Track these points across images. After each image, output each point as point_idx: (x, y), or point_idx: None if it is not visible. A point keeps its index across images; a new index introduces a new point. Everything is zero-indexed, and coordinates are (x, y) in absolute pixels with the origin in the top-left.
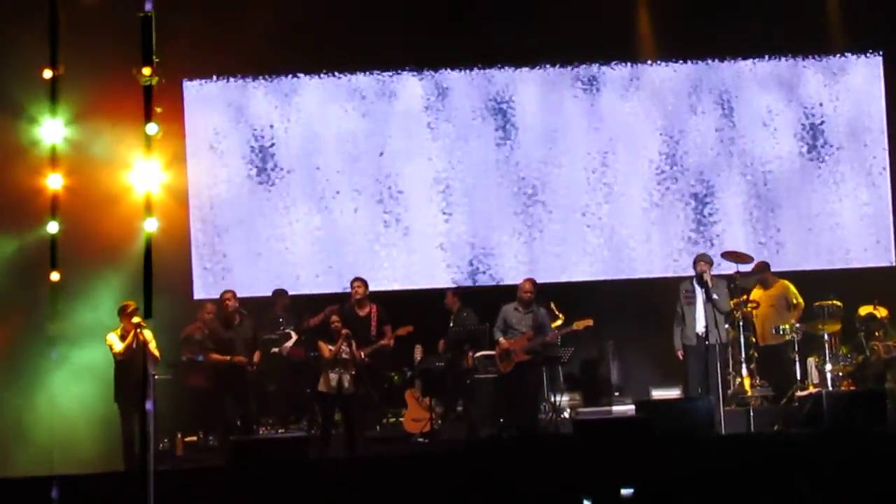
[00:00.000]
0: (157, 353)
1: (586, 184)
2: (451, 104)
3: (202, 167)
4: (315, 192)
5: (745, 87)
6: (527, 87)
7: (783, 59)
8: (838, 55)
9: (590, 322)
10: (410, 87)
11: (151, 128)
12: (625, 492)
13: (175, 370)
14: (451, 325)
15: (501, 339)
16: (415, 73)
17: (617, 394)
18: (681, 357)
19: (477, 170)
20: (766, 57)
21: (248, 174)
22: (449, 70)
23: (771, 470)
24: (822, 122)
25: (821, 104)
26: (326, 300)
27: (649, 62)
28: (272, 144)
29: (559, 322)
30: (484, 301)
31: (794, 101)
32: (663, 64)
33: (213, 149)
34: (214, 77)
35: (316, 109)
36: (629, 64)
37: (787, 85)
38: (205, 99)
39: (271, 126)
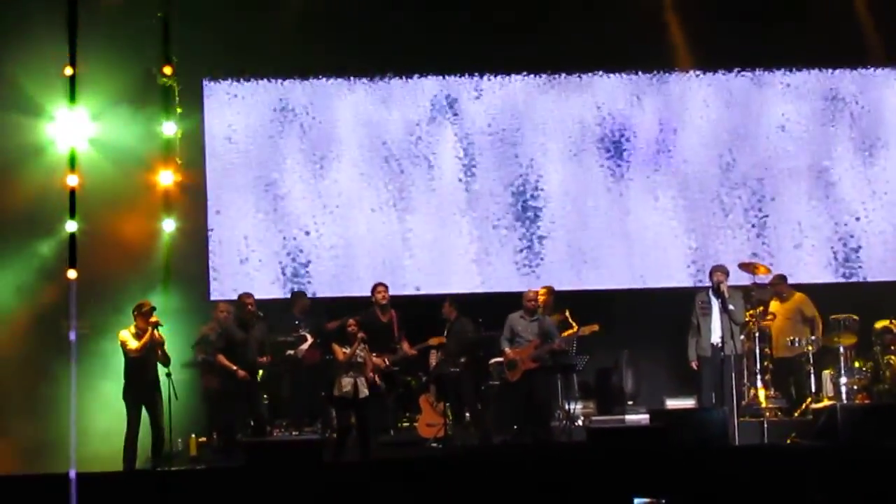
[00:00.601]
0: (169, 353)
1: None
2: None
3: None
4: None
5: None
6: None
7: (813, 71)
8: (871, 68)
9: (595, 327)
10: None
11: (170, 127)
12: (638, 501)
13: (189, 371)
14: (446, 334)
15: (507, 350)
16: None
17: (630, 403)
18: (695, 368)
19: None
20: (794, 70)
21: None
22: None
23: (784, 482)
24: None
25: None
26: (345, 303)
27: (679, 70)
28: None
29: (572, 331)
30: (484, 309)
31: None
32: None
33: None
34: (234, 79)
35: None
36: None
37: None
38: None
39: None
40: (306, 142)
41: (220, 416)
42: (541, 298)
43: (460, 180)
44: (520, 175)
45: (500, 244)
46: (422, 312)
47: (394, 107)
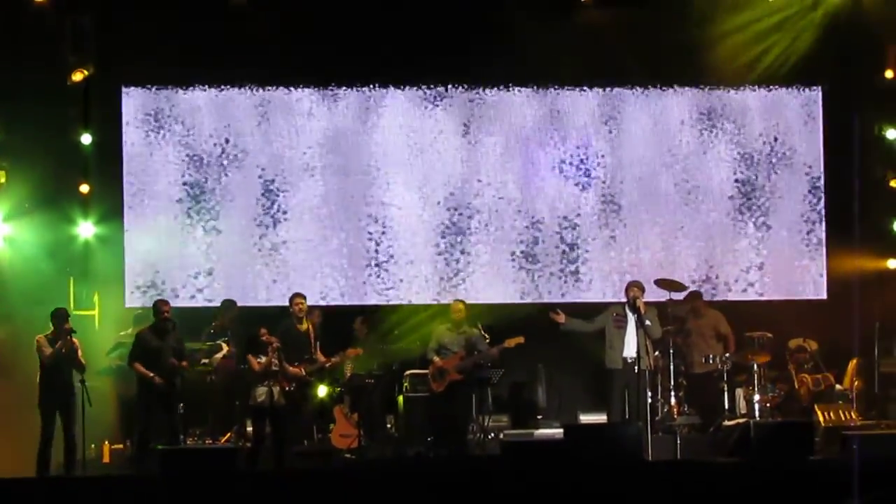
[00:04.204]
0: (83, 360)
1: None
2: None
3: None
4: None
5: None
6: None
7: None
8: (779, 87)
9: (521, 339)
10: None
11: (86, 137)
12: None
13: (103, 378)
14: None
15: (436, 358)
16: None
17: (540, 417)
18: (559, 319)
19: None
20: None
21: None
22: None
23: (697, 498)
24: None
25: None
26: (273, 312)
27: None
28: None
29: (502, 345)
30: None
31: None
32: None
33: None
34: (154, 86)
35: None
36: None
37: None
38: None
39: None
40: (224, 150)
41: (135, 423)
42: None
43: (379, 191)
44: (434, 189)
45: (418, 258)
46: (333, 324)
47: (314, 116)
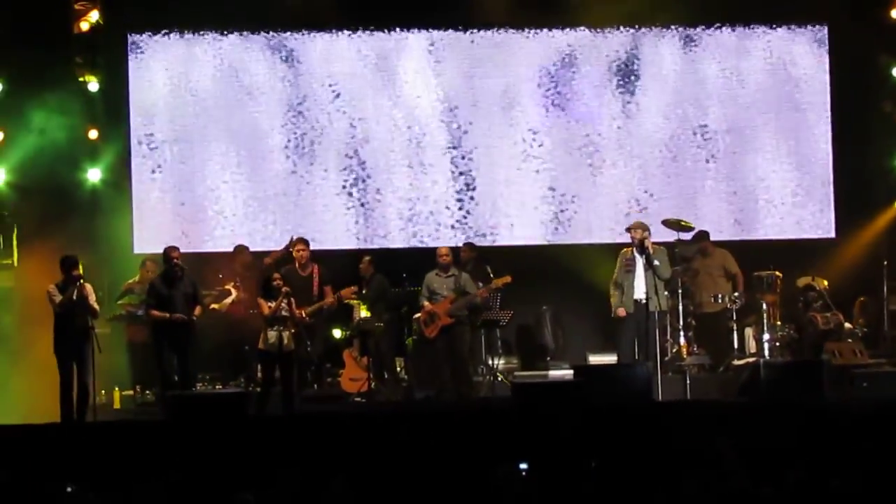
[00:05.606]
0: (96, 306)
1: None
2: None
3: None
4: None
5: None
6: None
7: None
8: (784, 25)
9: (508, 279)
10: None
11: (93, 85)
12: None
13: (113, 324)
14: (363, 291)
15: (426, 303)
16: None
17: (549, 358)
18: (622, 314)
19: None
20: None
21: None
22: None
23: (706, 438)
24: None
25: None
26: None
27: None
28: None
29: (489, 286)
30: (406, 264)
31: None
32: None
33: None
34: (160, 32)
35: None
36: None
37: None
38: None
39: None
40: (231, 94)
41: (149, 368)
42: (462, 255)
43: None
44: (444, 130)
45: (427, 199)
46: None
47: (327, 60)
